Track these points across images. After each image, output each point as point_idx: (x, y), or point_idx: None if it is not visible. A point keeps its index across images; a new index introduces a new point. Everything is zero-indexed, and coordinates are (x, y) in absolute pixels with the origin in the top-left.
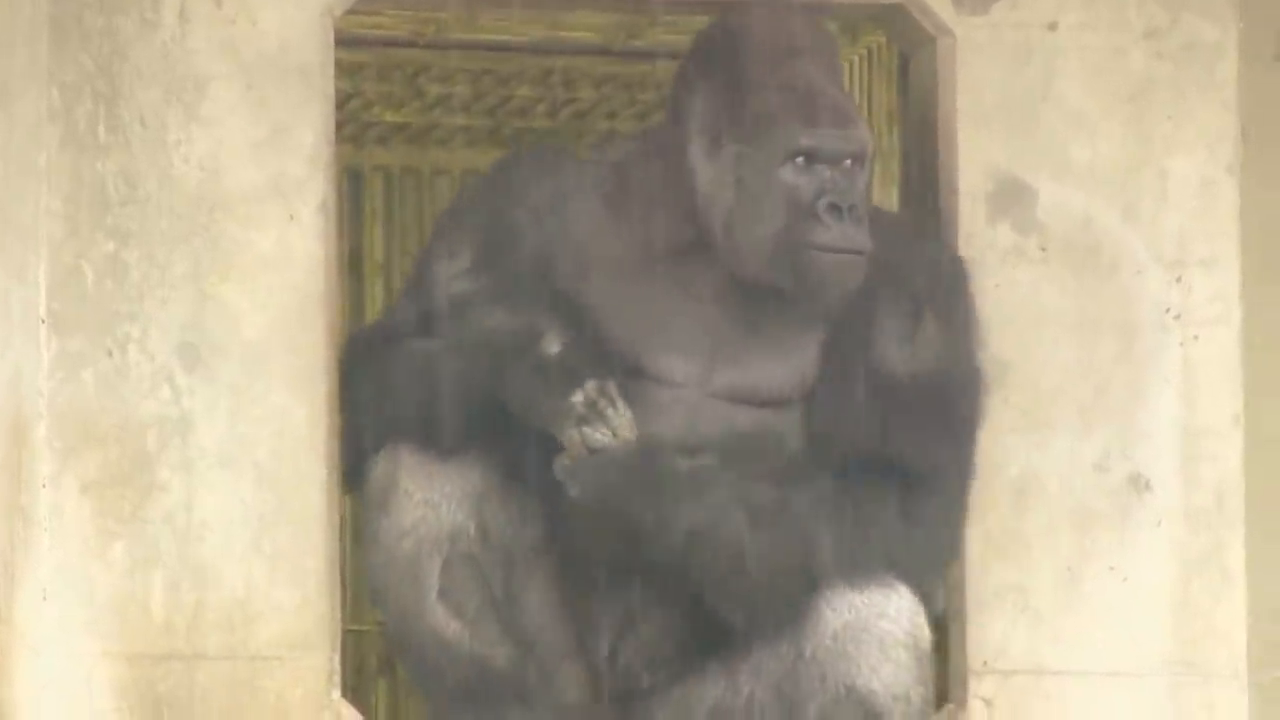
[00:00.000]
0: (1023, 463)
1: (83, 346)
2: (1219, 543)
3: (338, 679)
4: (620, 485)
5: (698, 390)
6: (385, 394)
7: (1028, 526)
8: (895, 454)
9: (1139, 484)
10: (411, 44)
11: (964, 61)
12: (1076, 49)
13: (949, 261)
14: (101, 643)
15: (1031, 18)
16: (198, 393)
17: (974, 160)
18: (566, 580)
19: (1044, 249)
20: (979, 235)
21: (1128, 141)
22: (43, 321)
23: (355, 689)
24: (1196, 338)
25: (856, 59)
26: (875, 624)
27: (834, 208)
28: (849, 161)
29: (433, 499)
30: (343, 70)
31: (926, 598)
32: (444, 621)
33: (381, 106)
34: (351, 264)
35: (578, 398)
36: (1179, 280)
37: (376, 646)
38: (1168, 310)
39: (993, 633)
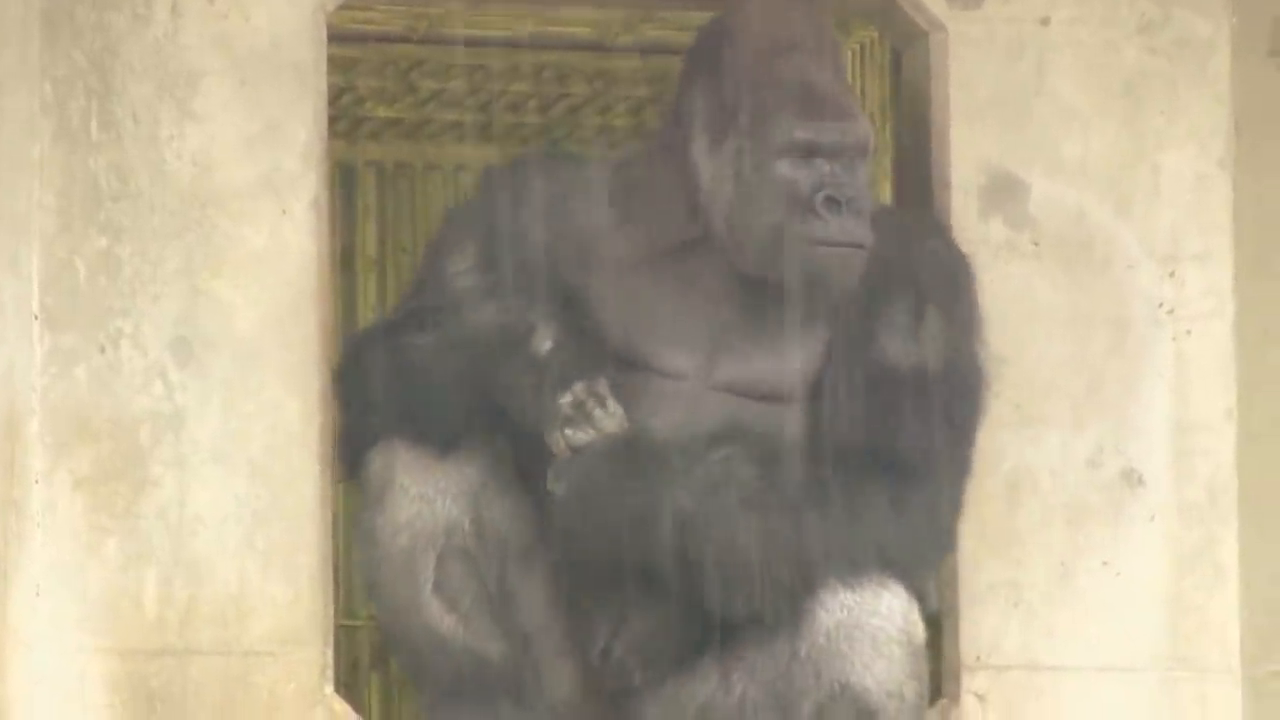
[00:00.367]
0: (1016, 458)
1: (75, 342)
2: (1212, 537)
3: (330, 674)
4: (603, 477)
5: (699, 384)
6: (382, 389)
7: (1021, 522)
8: (891, 447)
9: (1132, 479)
10: (404, 39)
11: (956, 56)
12: (1069, 44)
13: (954, 257)
14: (94, 638)
15: (1024, 12)
16: (190, 388)
17: (966, 155)
18: (562, 577)
19: (1037, 244)
20: (971, 230)
21: (1120, 136)
22: (35, 317)
23: (348, 684)
24: (1189, 332)
25: (849, 54)
26: (868, 621)
27: (831, 201)
28: (849, 155)
29: (428, 494)
30: (335, 65)
31: (920, 595)
32: (438, 616)
33: (374, 102)
34: (344, 259)
35: (565, 399)
36: (1172, 275)
37: (369, 642)
38: (1160, 305)
39: (986, 628)
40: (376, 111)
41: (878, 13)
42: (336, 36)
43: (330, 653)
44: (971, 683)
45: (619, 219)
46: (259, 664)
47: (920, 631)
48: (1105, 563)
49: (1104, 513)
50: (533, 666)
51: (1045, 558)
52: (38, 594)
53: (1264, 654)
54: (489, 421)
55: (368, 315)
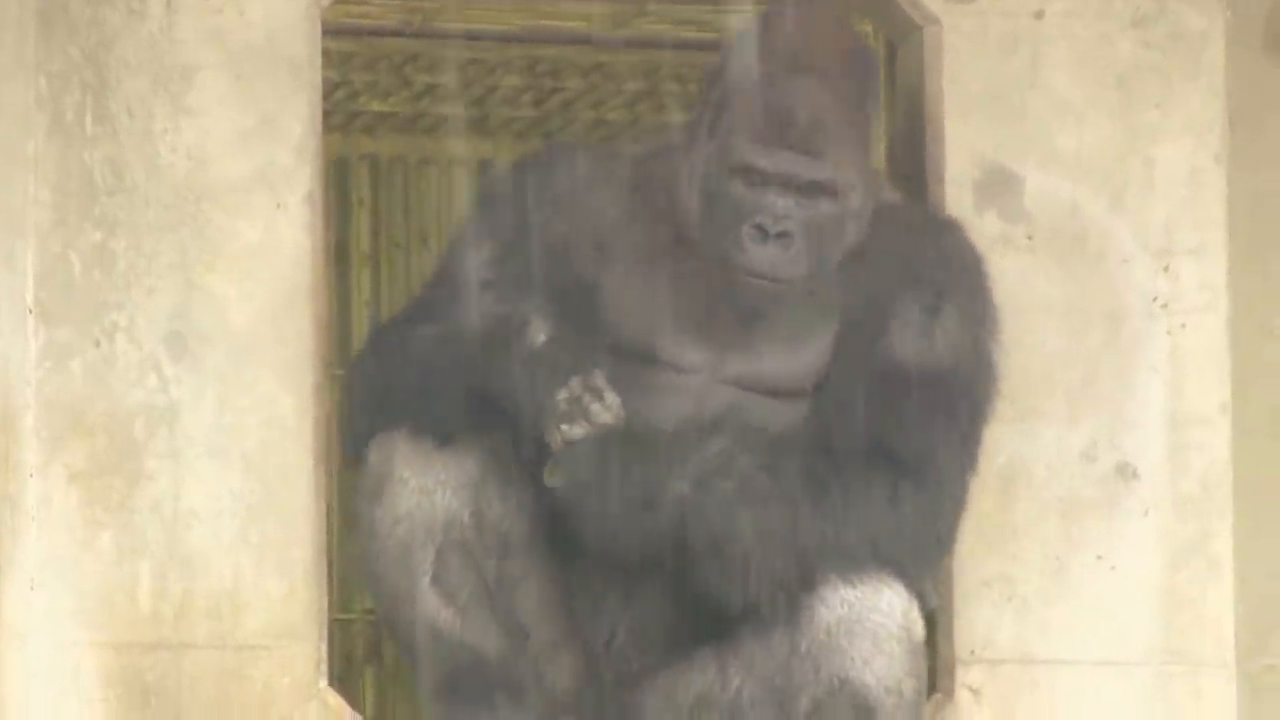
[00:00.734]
0: (1010, 452)
1: (70, 336)
2: (1207, 531)
3: (325, 668)
4: (600, 466)
5: (709, 378)
6: (384, 381)
7: (1015, 516)
8: (894, 443)
9: (1126, 473)
10: (399, 34)
11: (951, 50)
12: (1063, 37)
13: (971, 255)
14: (89, 632)
15: (1018, 6)
16: (185, 382)
17: (961, 149)
18: (561, 571)
19: (1031, 238)
20: (966, 224)
21: (1115, 130)
22: (30, 311)
23: (342, 678)
24: (1184, 326)
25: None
26: (868, 617)
27: (759, 230)
28: (806, 191)
29: (427, 486)
30: (330, 60)
31: (919, 593)
32: (436, 609)
33: (369, 96)
34: (338, 253)
35: (561, 395)
36: (1166, 269)
37: (364, 635)
38: (1155, 299)
39: (980, 622)
40: (371, 106)
41: (872, 7)
42: (331, 31)
43: (325, 647)
44: (966, 677)
45: (637, 212)
46: (253, 658)
47: (920, 628)
48: (1100, 557)
49: (1098, 507)
50: (530, 660)
51: (1039, 552)
52: (32, 588)
53: (1259, 648)
54: (488, 414)
55: (362, 309)
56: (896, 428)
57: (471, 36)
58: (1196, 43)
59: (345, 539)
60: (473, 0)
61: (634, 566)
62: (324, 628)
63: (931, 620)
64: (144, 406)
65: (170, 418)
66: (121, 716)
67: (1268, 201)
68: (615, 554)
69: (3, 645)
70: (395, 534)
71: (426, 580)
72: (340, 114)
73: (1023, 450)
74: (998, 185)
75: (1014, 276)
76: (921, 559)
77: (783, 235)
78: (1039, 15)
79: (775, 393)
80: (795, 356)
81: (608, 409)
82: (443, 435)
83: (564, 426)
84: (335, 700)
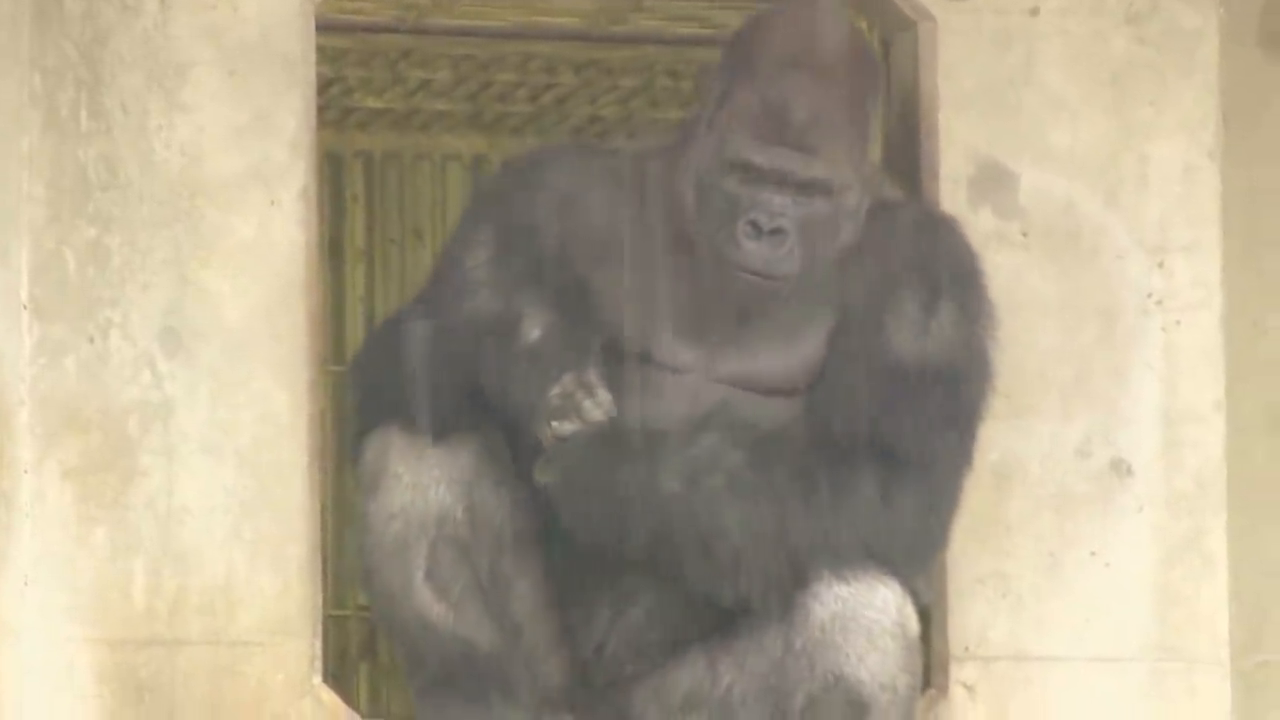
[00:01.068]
0: (1004, 448)
1: (64, 332)
2: (1201, 528)
3: (319, 664)
4: (590, 462)
5: (702, 377)
6: (381, 377)
7: (1009, 512)
8: (887, 439)
9: (1120, 469)
10: (393, 29)
11: (945, 46)
12: (1057, 34)
13: (967, 253)
14: (83, 628)
15: (1012, 3)
16: (179, 378)
17: (955, 145)
18: (556, 568)
19: (1025, 234)
20: (961, 220)
21: (1109, 126)
22: (24, 307)
23: (336, 675)
24: (1178, 323)
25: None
26: (863, 614)
27: (753, 226)
28: (803, 189)
29: (421, 482)
30: (324, 56)
31: (914, 591)
32: (429, 604)
33: (363, 92)
34: (333, 249)
35: (554, 391)
36: (1160, 265)
37: (358, 632)
38: (1149, 295)
39: (974, 619)
40: (365, 101)
41: (866, 3)
42: (325, 27)
43: (319, 643)
44: (960, 674)
45: (633, 210)
46: (247, 654)
47: (915, 625)
48: (1094, 553)
49: (1092, 503)
50: (523, 656)
51: (1034, 548)
52: (26, 584)
53: (1253, 645)
54: (483, 411)
55: (356, 305)
56: (891, 424)
57: (465, 32)
58: (1191, 39)
59: (340, 535)
60: None
61: (625, 567)
62: (318, 624)
63: (926, 616)
64: (138, 403)
65: (164, 414)
66: (115, 713)
67: (1262, 198)
68: (605, 551)
69: None
70: (389, 529)
71: (420, 575)
72: (334, 110)
73: (1017, 446)
74: (992, 182)
75: (1008, 273)
76: (914, 556)
77: (777, 232)
78: (1033, 12)
79: (769, 391)
80: (789, 354)
81: (599, 406)
82: (437, 431)
83: (555, 424)
84: (329, 697)
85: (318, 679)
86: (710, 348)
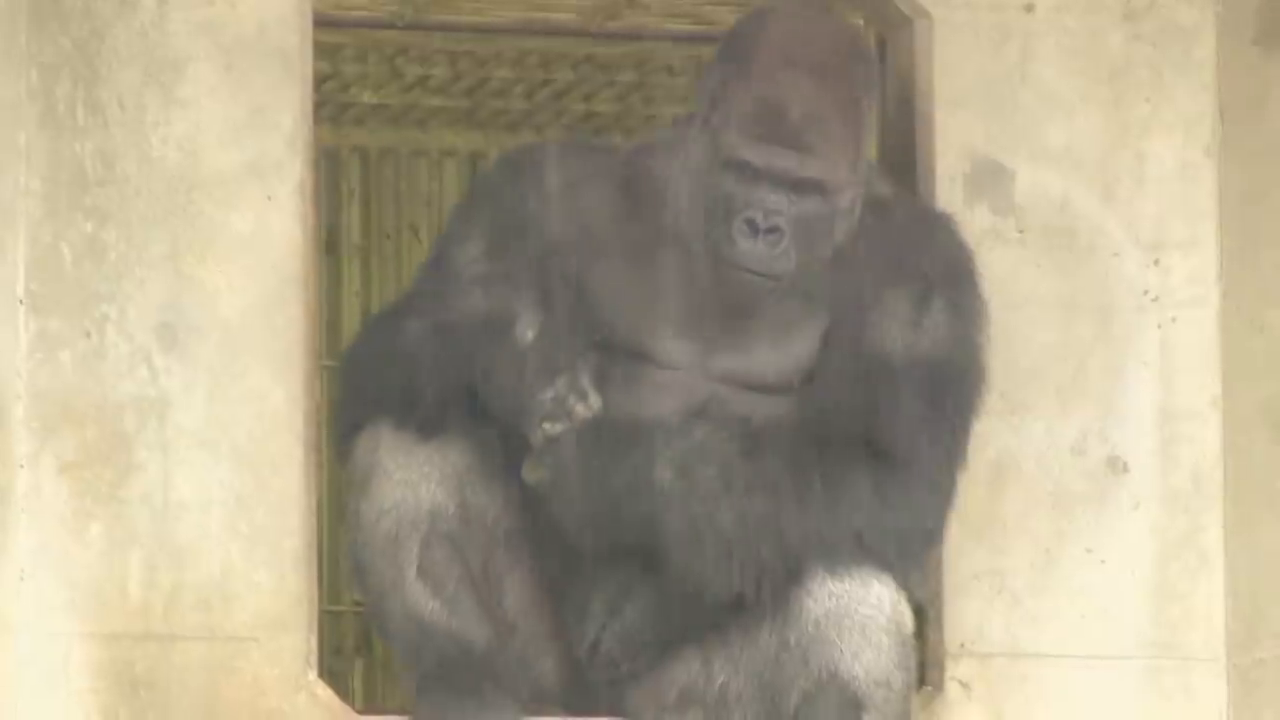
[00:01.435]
0: (1000, 445)
1: (61, 327)
2: (1197, 525)
3: (314, 660)
4: (582, 455)
5: (696, 374)
6: (372, 373)
7: (1005, 509)
8: (881, 435)
9: (1116, 466)
10: (389, 25)
11: (941, 43)
12: (1054, 31)
13: (961, 250)
14: (79, 623)
15: (1008, 0)
16: (175, 373)
17: (951, 142)
18: (550, 565)
19: (1021, 231)
20: (956, 217)
21: (1105, 124)
22: (21, 302)
23: (332, 670)
24: (1174, 320)
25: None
26: (857, 610)
27: (749, 224)
28: (798, 188)
29: (412, 479)
30: (321, 51)
31: (908, 588)
32: (422, 601)
33: (359, 87)
34: (328, 245)
35: (547, 394)
36: (1157, 263)
37: (353, 627)
38: (1145, 292)
39: (970, 615)
40: (362, 97)
41: (862, 0)
42: (322, 22)
43: (314, 638)
44: (955, 670)
45: (627, 208)
46: (243, 649)
47: (909, 621)
48: (1089, 550)
49: (1088, 500)
50: (517, 653)
51: (1029, 545)
52: (22, 578)
53: (1249, 642)
54: (474, 407)
55: (352, 301)
56: (884, 421)
57: (462, 29)
58: (1187, 36)
59: (336, 530)
60: None
61: (619, 564)
62: (313, 619)
63: (921, 613)
64: (134, 397)
65: (160, 409)
66: (110, 707)
67: (1259, 195)
68: (597, 544)
69: None
70: (380, 526)
71: (412, 572)
72: (331, 105)
73: (1012, 444)
74: (988, 179)
75: (1004, 270)
76: (908, 552)
77: (773, 231)
78: (1029, 9)
79: (763, 388)
80: (783, 352)
81: (591, 410)
82: (429, 428)
83: (547, 425)
84: (324, 692)
85: (313, 674)
86: (705, 345)
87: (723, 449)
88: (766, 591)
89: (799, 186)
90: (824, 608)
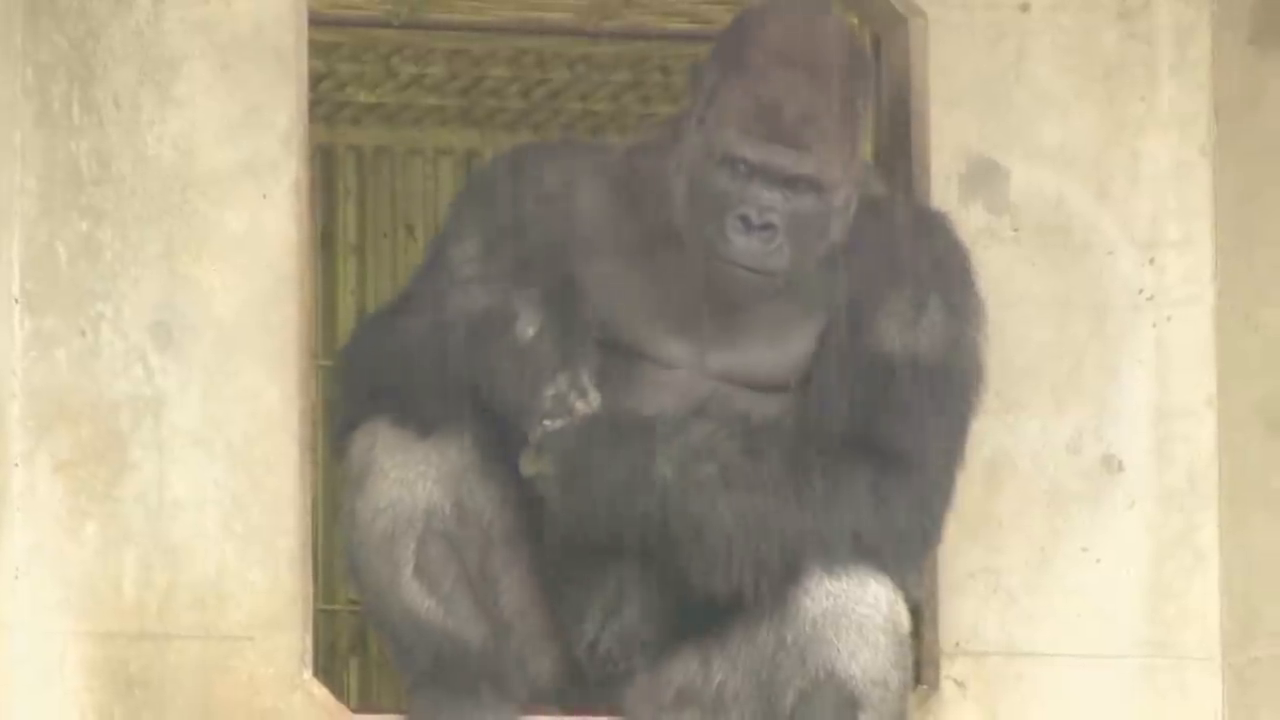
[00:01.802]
0: (995, 443)
1: (55, 326)
2: (1192, 524)
3: (309, 659)
4: (581, 449)
5: (694, 372)
6: (368, 372)
7: (1000, 507)
8: (878, 434)
9: (1112, 465)
10: (385, 24)
11: (936, 42)
12: (1049, 29)
13: (955, 249)
14: (73, 622)
15: None
16: (170, 372)
17: (946, 141)
18: (547, 565)
19: (1016, 230)
20: (952, 216)
21: (1101, 122)
22: (15, 301)
23: (327, 669)
24: (1169, 319)
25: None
26: (854, 609)
27: (743, 221)
28: (794, 185)
29: (408, 477)
30: (316, 50)
31: (905, 587)
32: (418, 599)
33: (355, 86)
34: (324, 244)
35: (549, 392)
36: (1152, 261)
37: (348, 626)
38: (1140, 291)
39: (965, 614)
40: (357, 96)
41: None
42: (317, 21)
43: (309, 637)
44: (951, 669)
45: (623, 206)
46: (237, 648)
47: (906, 620)
48: (1085, 549)
49: (1084, 499)
50: (514, 651)
51: (1024, 544)
52: (16, 577)
53: (1244, 641)
54: (472, 406)
55: (347, 300)
56: (882, 421)
57: (458, 27)
58: (1182, 35)
59: (331, 529)
60: None
61: (617, 564)
62: (309, 618)
63: (917, 612)
64: (129, 396)
65: (155, 407)
66: (105, 707)
67: (1253, 194)
68: (594, 541)
69: None
70: (376, 525)
71: (409, 571)
72: (326, 104)
73: (1008, 442)
74: (983, 177)
75: (999, 268)
76: (906, 552)
77: (767, 227)
78: (1025, 7)
79: (759, 387)
80: (779, 350)
81: (591, 406)
82: (425, 426)
83: (547, 423)
84: (320, 691)
85: (308, 673)
86: (701, 343)
87: (722, 447)
88: (765, 589)
89: (793, 183)
90: (821, 607)
